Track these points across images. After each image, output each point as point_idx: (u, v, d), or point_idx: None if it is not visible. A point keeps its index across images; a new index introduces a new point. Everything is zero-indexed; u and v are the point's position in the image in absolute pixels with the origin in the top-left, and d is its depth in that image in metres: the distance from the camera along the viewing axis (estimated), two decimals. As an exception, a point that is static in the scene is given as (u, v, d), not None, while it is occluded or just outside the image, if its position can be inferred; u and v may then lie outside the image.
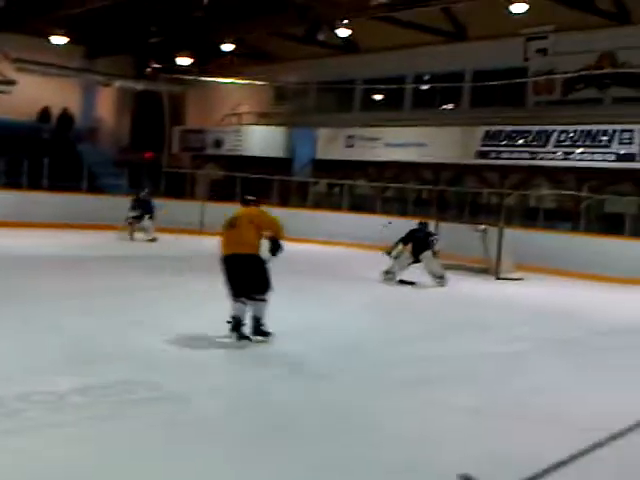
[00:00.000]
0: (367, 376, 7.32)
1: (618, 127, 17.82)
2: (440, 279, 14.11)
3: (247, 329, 8.10)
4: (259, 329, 8.11)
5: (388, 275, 14.01)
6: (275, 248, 8.25)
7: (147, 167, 24.59)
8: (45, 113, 26.39)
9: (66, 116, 26.73)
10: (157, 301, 10.58)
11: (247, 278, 8.06)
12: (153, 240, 19.01)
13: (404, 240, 14.07)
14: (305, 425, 5.71)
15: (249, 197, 8.85)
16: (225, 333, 8.07)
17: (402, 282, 13.88)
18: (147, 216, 19.40)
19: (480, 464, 5.01)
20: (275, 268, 8.30)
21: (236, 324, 8.02)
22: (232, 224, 8.27)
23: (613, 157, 17.82)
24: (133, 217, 19.39)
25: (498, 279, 15.51)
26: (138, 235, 19.30)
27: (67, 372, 6.58)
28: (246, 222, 8.18)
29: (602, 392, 7.15)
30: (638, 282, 15.26)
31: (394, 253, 14.04)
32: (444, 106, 23.35)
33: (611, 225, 17.72)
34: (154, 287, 11.77)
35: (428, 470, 4.96)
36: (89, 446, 4.90)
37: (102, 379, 6.37)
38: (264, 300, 8.11)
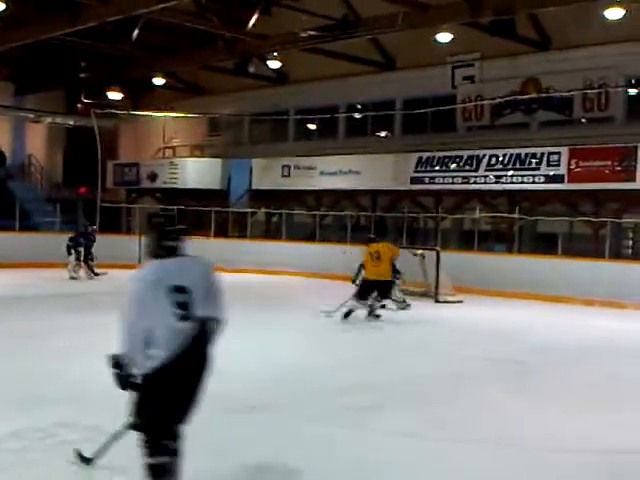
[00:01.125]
0: (309, 403, 7.32)
1: (546, 150, 18.33)
2: (404, 304, 14.22)
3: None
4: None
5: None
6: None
7: (82, 203, 24.25)
8: (-26, 152, 25.91)
9: (-4, 154, 26.28)
10: (93, 339, 10.39)
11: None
12: (98, 275, 18.69)
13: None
14: (242, 457, 5.63)
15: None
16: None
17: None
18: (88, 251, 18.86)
19: None
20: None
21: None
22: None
23: (543, 179, 18.30)
24: (78, 253, 18.76)
25: (437, 302, 15.74)
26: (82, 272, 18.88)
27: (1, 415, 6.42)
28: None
29: (541, 412, 7.26)
30: (572, 301, 15.64)
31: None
32: (377, 134, 23.69)
33: (544, 245, 18.17)
34: (90, 325, 11.55)
35: None
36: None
37: (37, 422, 6.18)
38: None
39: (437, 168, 20.20)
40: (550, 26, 19.45)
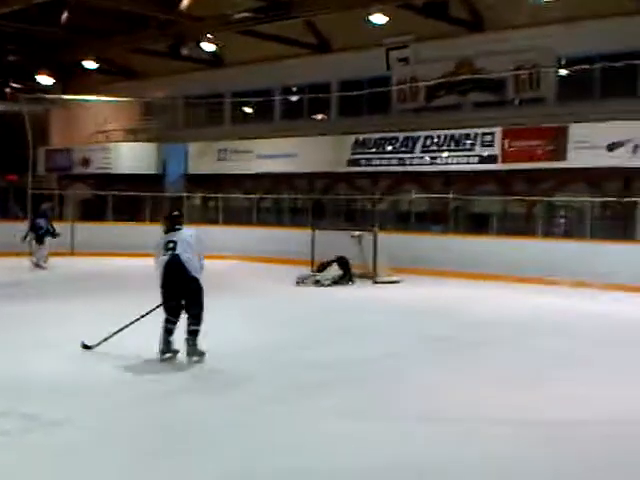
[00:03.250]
0: (254, 383, 7.36)
1: (479, 130, 18.58)
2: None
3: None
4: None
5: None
6: None
7: (12, 190, 23.63)
8: None
9: None
10: (34, 326, 10.19)
11: None
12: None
13: None
14: (194, 439, 5.63)
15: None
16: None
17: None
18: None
19: (372, 469, 5.14)
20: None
21: None
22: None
23: (476, 160, 18.56)
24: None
25: (376, 283, 15.85)
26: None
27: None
28: None
29: (476, 387, 7.41)
30: (505, 278, 15.94)
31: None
32: (313, 116, 23.68)
33: (479, 225, 18.45)
34: (28, 313, 11.32)
35: (319, 476, 5.03)
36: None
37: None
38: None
39: (373, 150, 20.30)
40: (483, 8, 19.69)
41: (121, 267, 18.42)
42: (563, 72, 19.10)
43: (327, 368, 8.11)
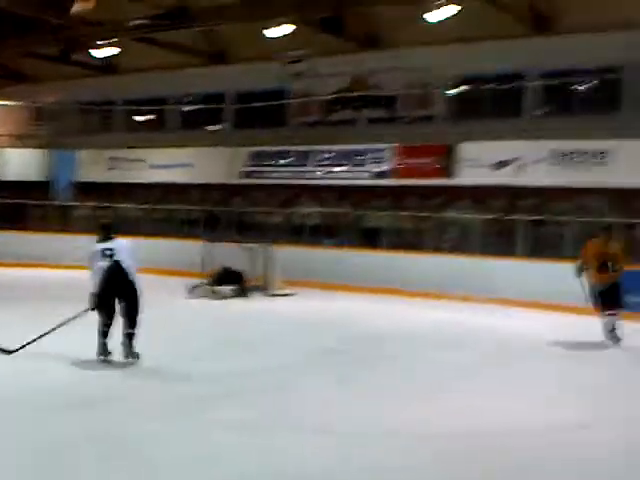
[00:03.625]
0: (139, 398, 7.23)
1: (373, 146, 18.92)
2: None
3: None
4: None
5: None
6: None
7: None
8: None
9: None
10: None
11: None
12: None
13: None
14: (75, 455, 5.52)
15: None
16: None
17: None
18: None
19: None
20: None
21: None
22: None
23: (370, 175, 18.89)
24: None
25: (269, 296, 15.85)
26: None
27: None
28: None
29: (364, 400, 7.51)
30: (397, 292, 16.20)
31: None
32: (209, 127, 23.51)
33: (371, 239, 18.72)
34: None
35: None
36: None
37: None
38: None
39: (268, 163, 20.34)
40: (378, 26, 20.06)
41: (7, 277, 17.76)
42: (452, 92, 19.66)
43: (219, 380, 8.06)
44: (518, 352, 10.61)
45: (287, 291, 16.17)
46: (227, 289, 15.57)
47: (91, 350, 8.68)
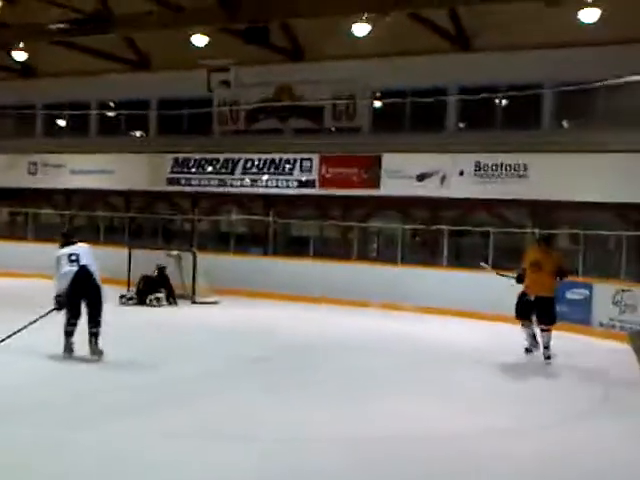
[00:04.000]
0: (70, 406, 7.16)
1: (299, 156, 19.10)
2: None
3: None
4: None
5: None
6: None
7: None
8: None
9: None
10: None
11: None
12: None
13: None
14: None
15: None
16: None
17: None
18: None
19: None
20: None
21: None
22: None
23: (296, 184, 19.05)
24: None
25: (194, 303, 15.81)
26: None
27: None
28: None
29: (288, 406, 7.58)
30: (323, 300, 16.35)
31: None
32: (131, 133, 23.25)
33: (297, 247, 18.89)
34: None
35: None
36: None
37: None
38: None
39: (193, 170, 20.31)
40: (302, 37, 20.24)
41: None
42: (377, 104, 20.04)
43: (141, 388, 8.06)
44: (442, 359, 10.82)
45: (212, 299, 16.15)
46: (155, 297, 15.41)
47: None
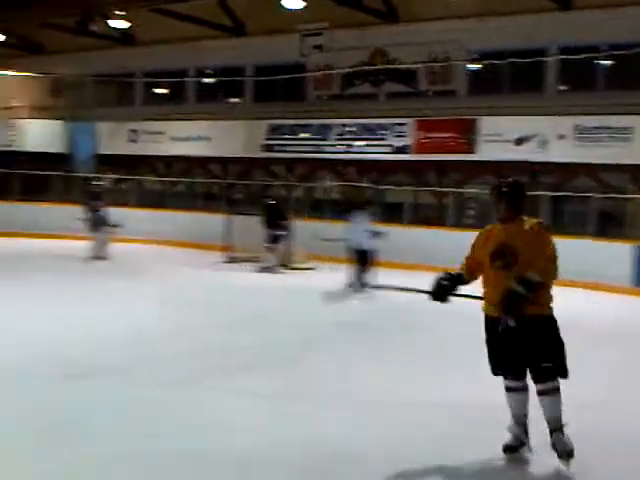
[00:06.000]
0: (161, 368, 7.42)
1: (392, 121, 18.93)
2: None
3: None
4: None
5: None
6: None
7: None
8: None
9: None
10: None
11: None
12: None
13: None
14: (98, 421, 5.70)
15: None
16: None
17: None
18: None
19: (275, 448, 5.31)
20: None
21: None
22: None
23: (389, 149, 18.92)
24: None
25: (290, 269, 16.02)
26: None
27: None
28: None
29: (391, 371, 7.61)
30: (418, 267, 16.25)
31: None
32: (228, 100, 23.53)
33: (391, 214, 18.82)
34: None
35: (224, 458, 5.13)
36: None
37: None
38: None
39: (288, 136, 20.40)
40: (397, -1, 19.96)
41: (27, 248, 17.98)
42: (473, 66, 19.62)
43: (241, 351, 8.26)
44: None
45: (309, 265, 16.34)
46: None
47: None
